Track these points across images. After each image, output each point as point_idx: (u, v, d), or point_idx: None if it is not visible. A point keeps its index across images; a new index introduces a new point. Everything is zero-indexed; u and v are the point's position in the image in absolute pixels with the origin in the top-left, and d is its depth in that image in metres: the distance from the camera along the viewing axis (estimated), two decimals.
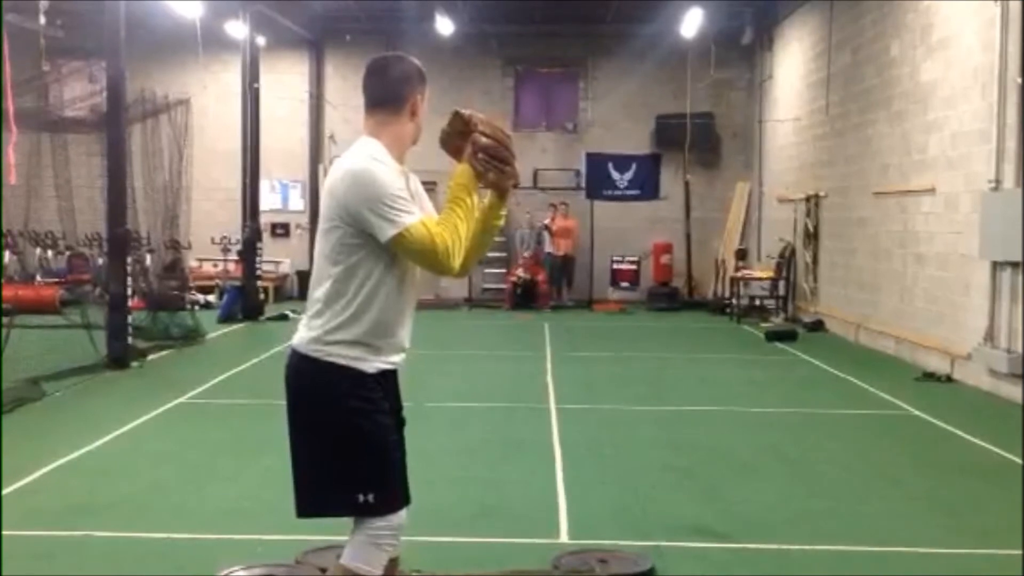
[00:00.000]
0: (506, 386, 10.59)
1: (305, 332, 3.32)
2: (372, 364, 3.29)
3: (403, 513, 3.35)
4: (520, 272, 19.29)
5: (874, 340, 13.34)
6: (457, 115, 3.44)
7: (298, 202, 21.36)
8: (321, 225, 3.32)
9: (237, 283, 17.17)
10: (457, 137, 3.43)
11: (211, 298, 18.25)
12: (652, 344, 14.44)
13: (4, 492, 6.12)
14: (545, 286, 19.32)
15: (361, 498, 3.22)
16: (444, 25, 18.67)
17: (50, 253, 18.68)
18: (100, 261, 15.46)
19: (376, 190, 3.17)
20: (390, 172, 3.24)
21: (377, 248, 3.22)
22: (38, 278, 17.74)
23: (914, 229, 12.04)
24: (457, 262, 3.25)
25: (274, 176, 20.56)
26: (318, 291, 3.30)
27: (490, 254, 20.45)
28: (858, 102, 14.23)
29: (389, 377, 3.39)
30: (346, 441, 3.26)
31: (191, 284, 18.31)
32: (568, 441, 7.84)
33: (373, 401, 3.29)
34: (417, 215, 3.22)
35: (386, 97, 3.36)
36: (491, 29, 20.21)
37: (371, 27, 20.22)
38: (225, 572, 4.71)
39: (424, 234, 3.17)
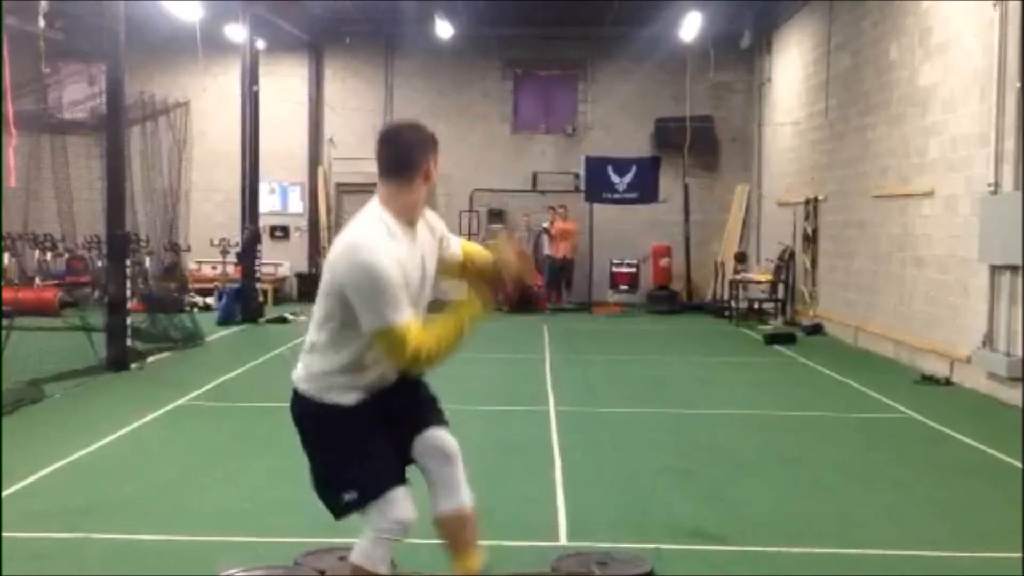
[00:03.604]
0: (505, 388, 10.59)
1: (300, 370, 3.58)
2: (352, 396, 3.52)
3: (403, 508, 3.51)
4: None
5: (873, 343, 13.34)
6: (497, 271, 3.64)
7: (297, 204, 21.37)
8: (322, 286, 3.47)
9: (236, 285, 17.17)
10: (486, 277, 3.66)
11: (210, 300, 18.23)
12: (651, 346, 14.43)
13: (4, 494, 6.12)
14: (542, 290, 19.30)
15: (346, 497, 3.50)
16: (443, 28, 18.69)
17: (49, 255, 18.69)
18: (99, 263, 15.46)
19: (370, 284, 3.25)
20: (390, 255, 3.29)
21: None
22: (37, 280, 17.74)
23: (913, 232, 12.05)
24: (423, 367, 3.49)
25: (273, 178, 20.56)
26: (314, 336, 3.52)
27: None
28: (857, 105, 14.24)
29: (376, 400, 3.57)
30: (328, 462, 3.59)
31: (190, 286, 18.31)
32: (567, 443, 7.84)
33: (353, 424, 3.53)
34: (405, 315, 3.29)
35: (399, 165, 3.42)
36: (490, 31, 20.21)
37: (370, 30, 20.25)
38: (225, 574, 4.70)
39: (401, 338, 3.30)
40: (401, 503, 3.51)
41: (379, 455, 3.55)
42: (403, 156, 3.41)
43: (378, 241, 3.29)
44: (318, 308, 3.49)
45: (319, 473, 3.61)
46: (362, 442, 3.52)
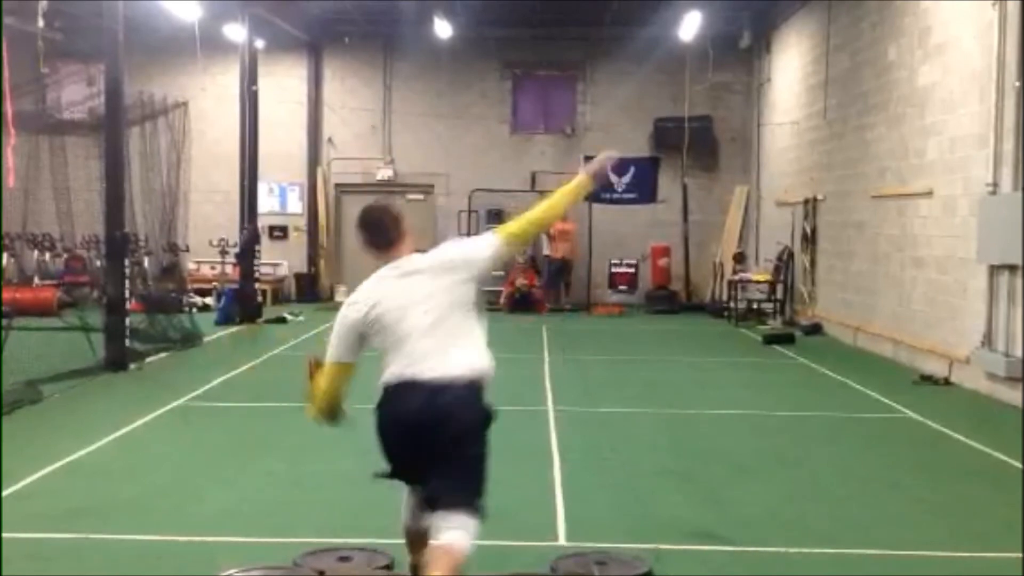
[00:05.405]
0: (504, 389, 10.49)
1: (480, 366, 4.17)
2: None
3: None
4: (519, 280, 19.12)
5: (872, 343, 13.34)
6: None
7: (296, 205, 21.35)
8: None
9: (235, 286, 17.16)
10: None
11: (209, 301, 18.24)
12: (650, 347, 14.43)
13: (3, 494, 6.12)
14: (540, 291, 19.26)
15: (481, 503, 4.03)
16: (442, 28, 18.69)
17: (48, 255, 18.66)
18: (98, 263, 15.44)
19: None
20: (353, 305, 4.17)
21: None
22: (36, 280, 17.72)
23: (912, 233, 12.05)
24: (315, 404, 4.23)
25: (272, 178, 20.55)
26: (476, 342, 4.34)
27: None
28: (856, 106, 14.25)
29: None
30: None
31: (189, 287, 18.29)
32: (566, 443, 7.84)
33: None
34: (332, 357, 4.16)
35: (392, 239, 4.20)
36: (489, 32, 20.21)
37: (369, 30, 20.24)
38: (224, 574, 4.70)
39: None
40: None
41: None
42: (392, 232, 4.21)
43: (355, 294, 4.16)
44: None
45: (482, 474, 4.06)
46: None
